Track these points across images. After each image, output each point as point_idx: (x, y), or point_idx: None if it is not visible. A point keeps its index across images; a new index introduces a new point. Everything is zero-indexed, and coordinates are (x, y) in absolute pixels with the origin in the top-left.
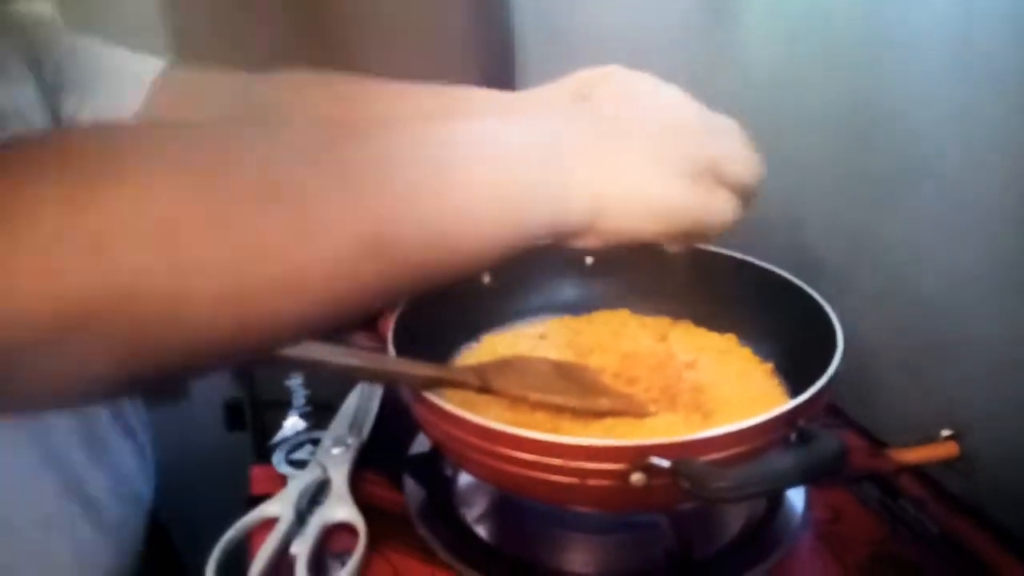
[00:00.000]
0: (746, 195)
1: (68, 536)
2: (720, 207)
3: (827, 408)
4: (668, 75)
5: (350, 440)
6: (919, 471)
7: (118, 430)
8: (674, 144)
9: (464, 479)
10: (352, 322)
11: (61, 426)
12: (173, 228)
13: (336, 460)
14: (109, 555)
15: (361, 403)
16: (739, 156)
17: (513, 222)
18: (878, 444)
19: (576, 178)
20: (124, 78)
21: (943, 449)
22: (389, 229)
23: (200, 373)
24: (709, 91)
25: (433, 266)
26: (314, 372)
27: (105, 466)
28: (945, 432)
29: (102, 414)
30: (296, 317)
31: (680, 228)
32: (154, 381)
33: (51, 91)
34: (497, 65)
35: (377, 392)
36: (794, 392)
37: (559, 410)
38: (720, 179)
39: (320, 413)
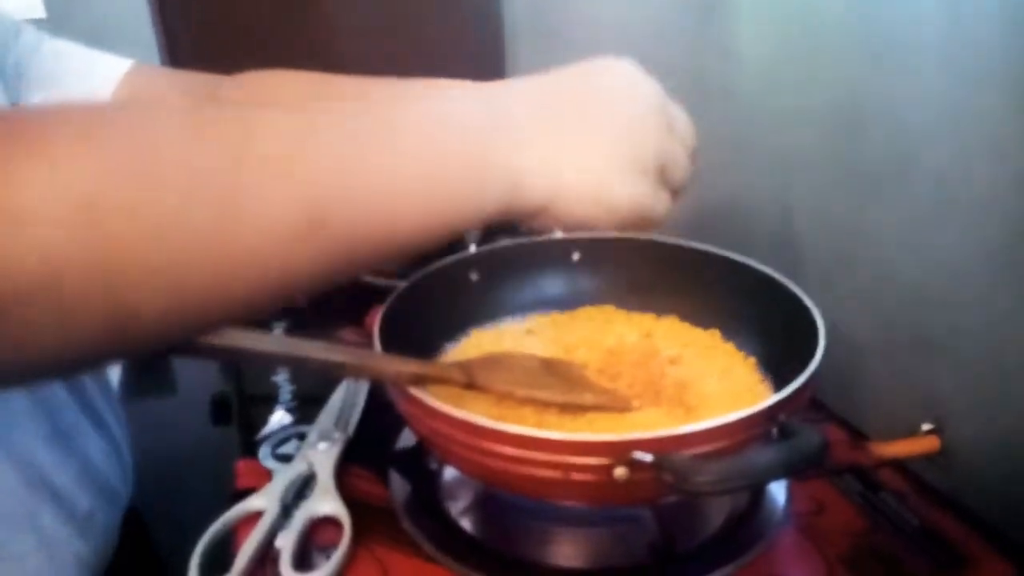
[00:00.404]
0: (677, 194)
1: (34, 529)
2: (662, 205)
3: (810, 402)
4: (659, 68)
5: (336, 434)
6: (900, 464)
7: (87, 422)
8: (634, 142)
9: (449, 474)
10: (293, 302)
11: (23, 418)
12: (93, 208)
13: (322, 454)
14: (80, 547)
15: (347, 398)
16: (682, 160)
17: (451, 199)
18: (860, 437)
19: (533, 160)
20: (91, 77)
21: (924, 443)
22: (322, 208)
23: (141, 354)
24: (699, 84)
25: (373, 246)
26: (300, 368)
27: (73, 458)
28: (926, 426)
29: (69, 406)
30: (231, 299)
31: (627, 220)
32: (91, 363)
33: (12, 88)
34: (487, 58)
35: (363, 387)
36: (777, 387)
37: (545, 405)
38: (664, 179)
39: (306, 408)
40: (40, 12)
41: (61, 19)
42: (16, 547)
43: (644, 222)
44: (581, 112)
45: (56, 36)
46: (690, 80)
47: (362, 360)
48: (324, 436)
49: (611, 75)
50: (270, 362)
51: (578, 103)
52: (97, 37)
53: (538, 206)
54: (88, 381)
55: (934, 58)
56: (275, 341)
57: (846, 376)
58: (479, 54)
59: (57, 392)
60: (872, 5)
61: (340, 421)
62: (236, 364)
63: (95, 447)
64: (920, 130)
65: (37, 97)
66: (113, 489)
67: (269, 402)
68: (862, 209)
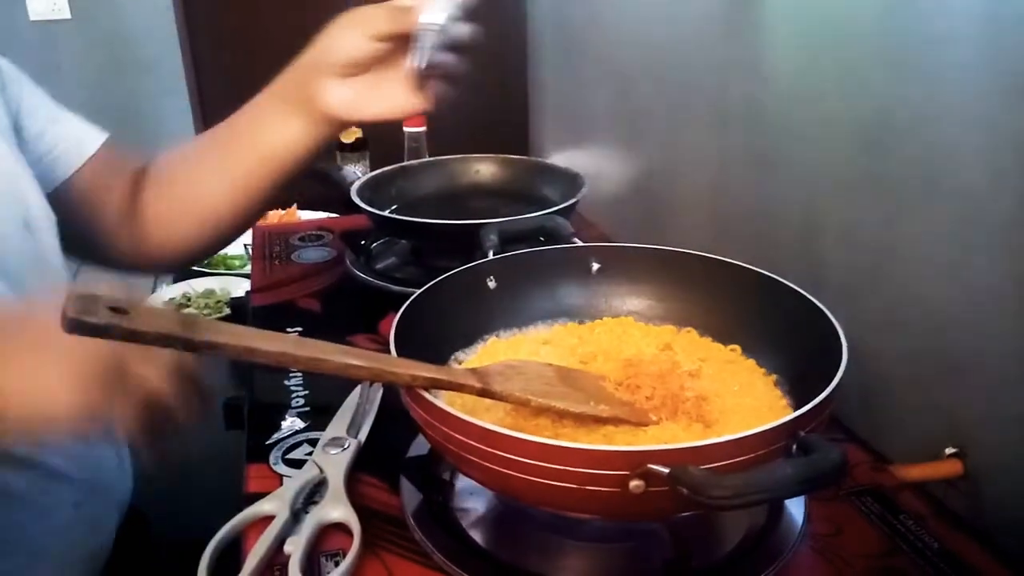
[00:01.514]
0: (152, 392)
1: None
2: (122, 405)
3: (831, 422)
4: (683, 83)
5: (348, 441)
6: (921, 487)
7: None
8: (78, 355)
9: (461, 483)
10: None
11: None
12: None
13: (333, 460)
14: (78, 545)
15: (360, 404)
16: (142, 364)
17: None
18: (881, 459)
19: None
20: (67, 144)
21: (946, 467)
22: None
23: None
24: (724, 99)
25: None
26: (314, 370)
27: (72, 461)
28: (949, 450)
29: None
30: None
31: (85, 425)
32: None
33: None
34: (512, 58)
35: (377, 393)
36: (797, 404)
37: (560, 415)
38: (123, 382)
39: (318, 414)
40: (65, 13)
41: (86, 20)
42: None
43: (106, 423)
44: (25, 336)
45: (81, 37)
46: (715, 95)
47: (376, 363)
48: (336, 442)
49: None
50: (284, 363)
51: (24, 330)
52: (121, 38)
53: None
54: None
55: (964, 73)
56: (290, 342)
57: (868, 397)
58: (502, 61)
59: None
60: (900, 20)
61: (352, 427)
62: (250, 365)
63: (97, 449)
64: (949, 146)
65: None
66: (112, 488)
67: (281, 408)
68: (889, 226)
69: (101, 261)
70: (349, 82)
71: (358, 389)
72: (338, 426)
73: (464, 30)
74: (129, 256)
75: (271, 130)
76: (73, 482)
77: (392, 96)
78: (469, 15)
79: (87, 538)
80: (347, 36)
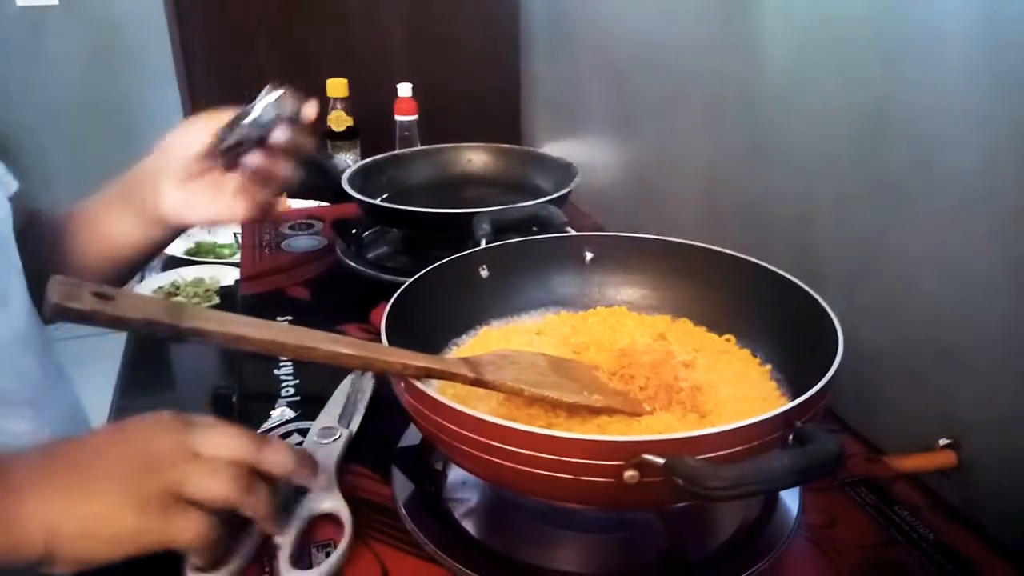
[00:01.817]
0: (216, 506)
1: None
2: (181, 526)
3: (825, 413)
4: (680, 73)
5: (339, 431)
6: (916, 478)
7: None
8: (134, 483)
9: (454, 473)
10: None
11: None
12: None
13: (323, 450)
14: None
15: (352, 393)
16: (202, 480)
17: None
18: (875, 451)
19: (26, 511)
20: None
21: (940, 458)
22: None
23: None
24: (721, 88)
25: None
26: (305, 358)
27: None
28: (943, 441)
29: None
30: None
31: (141, 549)
32: None
33: None
34: (504, 47)
35: (369, 384)
36: (792, 395)
37: (553, 405)
38: (183, 502)
39: (309, 403)
40: (53, 0)
41: (74, 6)
42: None
43: (170, 545)
44: (75, 463)
45: (69, 23)
46: (711, 85)
47: (367, 352)
48: (327, 432)
49: (122, 430)
50: (273, 351)
51: (76, 456)
52: (110, 24)
53: (39, 552)
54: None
55: (960, 64)
56: (279, 330)
57: (863, 388)
58: (495, 50)
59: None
60: (897, 11)
61: (344, 417)
62: (239, 354)
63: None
64: (945, 137)
65: None
66: None
67: (271, 397)
68: (884, 217)
69: None
70: (186, 186)
71: (349, 378)
72: (329, 416)
73: (282, 135)
74: None
75: (110, 225)
76: None
77: (221, 202)
78: (292, 121)
79: None
80: (183, 142)
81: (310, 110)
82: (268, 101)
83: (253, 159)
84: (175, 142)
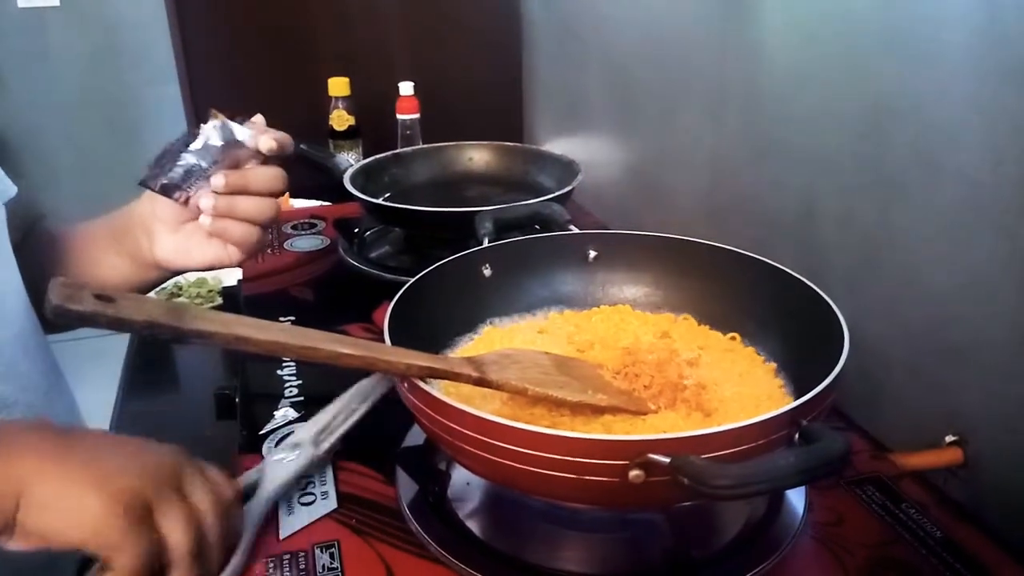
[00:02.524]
0: (169, 549)
1: None
2: (132, 543)
3: (831, 411)
4: (682, 69)
5: (303, 450)
6: (922, 476)
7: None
8: (120, 473)
9: (458, 473)
10: None
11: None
12: None
13: (275, 469)
14: None
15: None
16: (177, 517)
17: None
18: (881, 448)
19: (3, 466)
20: None
21: (947, 455)
22: None
23: None
24: (723, 85)
25: None
26: (307, 359)
27: None
28: (949, 438)
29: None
30: None
31: (94, 547)
32: None
33: None
34: (506, 45)
35: (362, 407)
36: (797, 393)
37: (557, 405)
38: (153, 521)
39: (312, 404)
40: (54, 0)
41: (75, 8)
42: None
43: (107, 553)
44: (68, 440)
45: (70, 24)
46: (714, 81)
47: (370, 352)
48: (291, 446)
49: (128, 439)
50: (275, 352)
51: (71, 437)
52: (111, 25)
53: (8, 512)
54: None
55: (964, 59)
56: (281, 331)
57: (868, 385)
58: (496, 48)
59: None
60: (899, 4)
61: (325, 431)
62: (242, 354)
63: None
64: (949, 132)
65: None
66: None
67: (274, 398)
68: (888, 213)
69: None
70: (180, 231)
71: (356, 387)
72: (314, 425)
73: (219, 181)
74: None
75: (102, 264)
76: None
77: (217, 246)
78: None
79: None
80: None
81: (266, 141)
82: (210, 128)
83: (206, 198)
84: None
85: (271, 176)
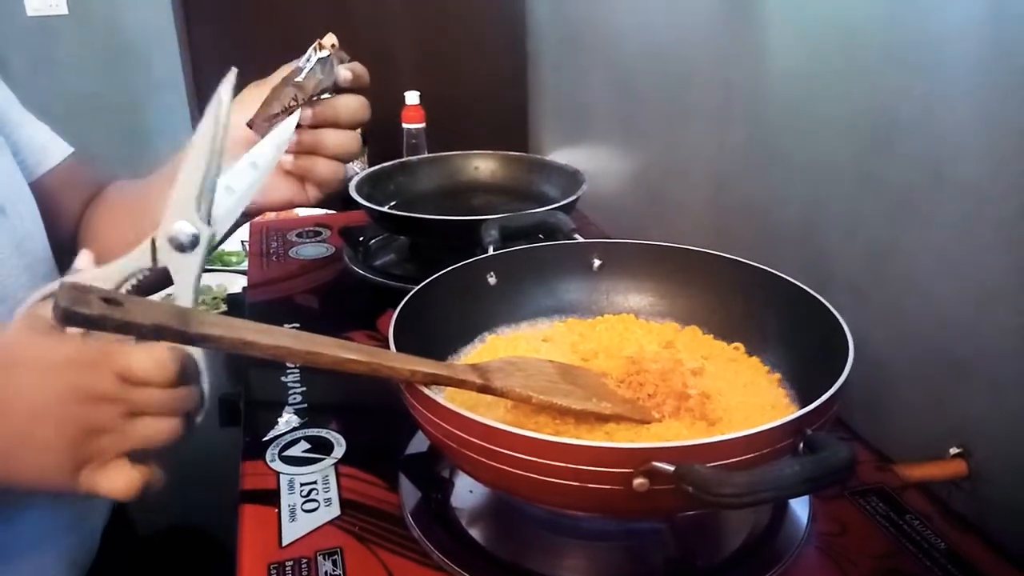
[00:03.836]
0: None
1: (21, 524)
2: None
3: (835, 421)
4: (686, 78)
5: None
6: (926, 487)
7: None
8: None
9: (461, 481)
10: None
11: None
12: None
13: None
14: (64, 544)
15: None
16: (112, 420)
17: None
18: (885, 459)
19: None
20: (30, 151)
21: (951, 467)
22: None
23: None
24: (728, 94)
25: None
26: (311, 364)
27: None
28: (954, 450)
29: None
30: None
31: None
32: None
33: None
34: (512, 54)
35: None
36: (802, 403)
37: (561, 413)
38: (96, 449)
39: (316, 411)
40: (63, 8)
41: (83, 14)
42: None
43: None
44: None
45: (79, 32)
46: (717, 90)
47: (375, 358)
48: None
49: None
50: (280, 357)
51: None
52: (119, 33)
53: None
54: None
55: (969, 70)
56: (286, 335)
57: (872, 396)
58: (502, 57)
59: None
60: (903, 15)
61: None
62: (246, 360)
63: None
64: (954, 142)
65: None
66: None
67: (278, 405)
68: (893, 222)
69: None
70: None
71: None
72: (183, 205)
73: (306, 113)
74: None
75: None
76: None
77: (288, 186)
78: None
79: (68, 540)
80: (244, 119)
81: (343, 71)
82: (313, 62)
83: (299, 130)
84: (234, 120)
85: (358, 105)
